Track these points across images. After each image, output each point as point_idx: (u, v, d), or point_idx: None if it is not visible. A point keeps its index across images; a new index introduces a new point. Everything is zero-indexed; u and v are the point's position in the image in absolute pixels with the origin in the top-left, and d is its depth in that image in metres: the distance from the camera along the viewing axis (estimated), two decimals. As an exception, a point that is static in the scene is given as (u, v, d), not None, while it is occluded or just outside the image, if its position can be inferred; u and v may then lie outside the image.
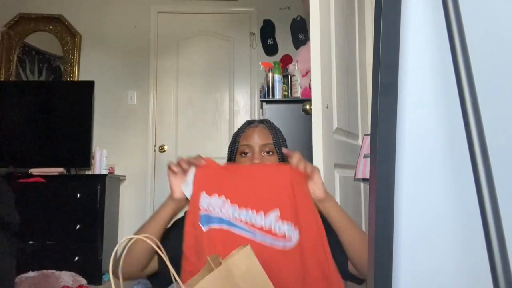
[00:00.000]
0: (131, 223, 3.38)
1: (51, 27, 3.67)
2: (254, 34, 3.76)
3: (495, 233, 0.47)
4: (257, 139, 1.13)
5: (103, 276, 2.87)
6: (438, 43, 0.62)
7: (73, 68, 3.59)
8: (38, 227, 2.90)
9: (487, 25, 0.63)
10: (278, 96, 2.74)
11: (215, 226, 0.93)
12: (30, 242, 2.87)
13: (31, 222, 2.87)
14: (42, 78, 3.62)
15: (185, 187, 0.97)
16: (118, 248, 0.67)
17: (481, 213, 0.49)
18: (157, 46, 3.71)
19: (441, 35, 0.59)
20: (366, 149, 1.41)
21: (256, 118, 3.60)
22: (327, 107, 1.54)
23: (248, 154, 1.13)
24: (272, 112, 2.70)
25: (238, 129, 1.22)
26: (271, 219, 0.92)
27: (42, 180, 2.95)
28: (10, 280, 1.76)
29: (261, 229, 0.91)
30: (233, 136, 1.21)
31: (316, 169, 1.00)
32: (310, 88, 2.55)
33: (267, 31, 3.74)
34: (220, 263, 0.80)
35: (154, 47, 3.70)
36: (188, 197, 0.96)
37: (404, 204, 0.62)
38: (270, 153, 1.13)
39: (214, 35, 3.78)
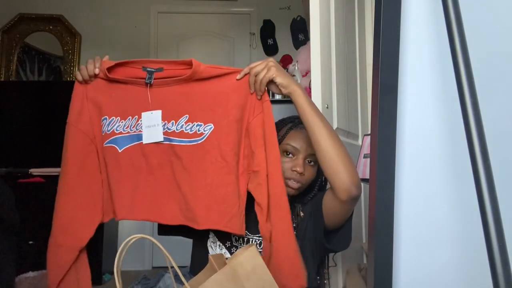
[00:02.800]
0: (131, 222, 3.37)
1: (51, 27, 3.66)
2: (254, 34, 3.75)
3: (495, 233, 0.47)
4: (306, 146, 1.05)
5: (103, 276, 2.86)
6: (438, 43, 0.62)
7: (73, 68, 3.58)
8: (38, 227, 2.89)
9: (487, 25, 0.63)
10: (278, 96, 2.74)
11: (131, 144, 1.03)
12: (30, 242, 2.87)
13: (31, 222, 2.86)
14: (42, 78, 3.62)
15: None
16: (122, 247, 0.67)
17: (481, 213, 0.49)
18: (157, 46, 3.71)
19: (441, 35, 0.59)
20: (366, 149, 1.41)
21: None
22: (327, 107, 1.54)
23: (290, 155, 1.06)
24: (272, 112, 2.70)
25: (285, 121, 1.13)
26: (181, 124, 1.01)
27: (42, 180, 2.95)
28: (10, 280, 1.76)
29: (173, 133, 1.01)
30: (280, 122, 1.12)
31: (258, 62, 0.97)
32: (310, 88, 2.55)
33: (267, 31, 3.74)
34: (225, 263, 0.80)
35: (154, 47, 3.70)
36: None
37: (404, 204, 0.62)
38: (312, 163, 1.06)
39: (214, 35, 3.78)
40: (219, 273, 0.73)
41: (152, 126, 1.00)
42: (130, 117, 1.03)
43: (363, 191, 2.05)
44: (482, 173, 0.49)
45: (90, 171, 1.04)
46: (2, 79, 3.56)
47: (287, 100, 2.75)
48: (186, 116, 1.00)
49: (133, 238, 0.72)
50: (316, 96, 1.49)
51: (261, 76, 0.95)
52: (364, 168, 1.37)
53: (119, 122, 1.04)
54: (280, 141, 1.08)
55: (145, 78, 1.00)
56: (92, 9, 3.70)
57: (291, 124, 1.11)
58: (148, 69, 1.01)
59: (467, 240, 0.60)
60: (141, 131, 1.02)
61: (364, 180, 1.38)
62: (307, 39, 3.55)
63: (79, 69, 1.05)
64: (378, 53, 0.60)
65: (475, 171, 0.50)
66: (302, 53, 2.92)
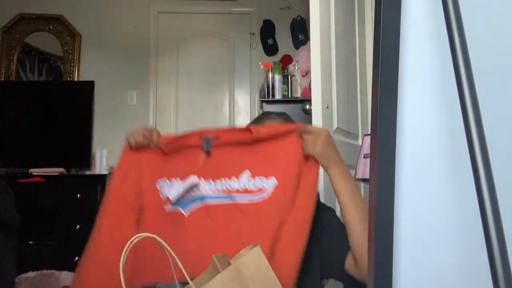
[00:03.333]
0: (131, 223, 3.37)
1: (51, 27, 3.66)
2: (254, 34, 3.75)
3: (495, 233, 0.47)
4: None
5: (103, 276, 2.86)
6: (438, 43, 0.62)
7: (73, 68, 3.58)
8: (38, 227, 2.90)
9: (487, 25, 0.63)
10: (278, 96, 2.75)
11: (195, 206, 0.99)
12: (30, 242, 2.87)
13: (31, 222, 2.87)
14: (42, 78, 3.62)
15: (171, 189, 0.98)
16: (127, 246, 0.67)
17: (481, 213, 0.49)
18: (157, 46, 3.71)
19: (441, 35, 0.59)
20: (366, 149, 1.41)
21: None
22: (327, 107, 1.54)
23: None
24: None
25: (254, 119, 1.16)
26: (244, 180, 0.98)
27: (42, 180, 2.95)
28: (10, 280, 1.76)
29: (237, 191, 0.98)
30: (248, 126, 1.15)
31: (313, 129, 0.97)
32: (310, 88, 2.55)
33: (267, 31, 3.74)
34: (228, 263, 0.80)
35: (154, 47, 3.70)
36: (173, 199, 0.97)
37: (404, 204, 0.61)
38: None
39: (214, 35, 3.78)
40: (223, 273, 0.73)
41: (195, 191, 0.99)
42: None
43: (363, 191, 2.06)
44: (482, 173, 0.49)
45: (122, 239, 1.03)
46: (2, 79, 3.56)
47: (286, 100, 2.76)
48: (247, 172, 0.98)
49: (137, 237, 0.71)
50: (316, 96, 1.49)
51: (307, 147, 0.96)
52: (364, 168, 1.37)
53: (179, 183, 1.01)
54: None
55: (203, 146, 1.00)
56: (92, 9, 3.70)
57: (255, 121, 1.14)
58: (206, 138, 1.01)
59: (467, 240, 0.60)
60: (203, 193, 0.99)
61: (364, 180, 1.38)
62: (307, 39, 3.55)
63: (132, 135, 1.02)
64: (378, 53, 0.60)
65: (475, 171, 0.50)
66: (302, 53, 2.93)
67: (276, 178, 0.96)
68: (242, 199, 0.97)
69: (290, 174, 0.97)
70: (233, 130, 1.03)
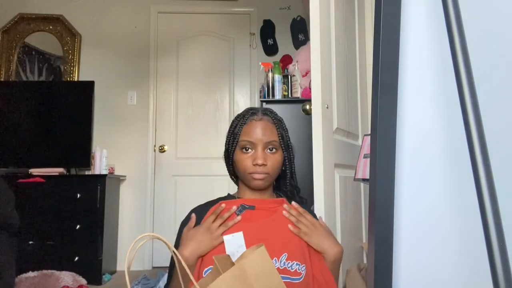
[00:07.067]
0: (131, 223, 3.38)
1: (51, 27, 3.66)
2: (254, 34, 3.75)
3: (495, 233, 0.47)
4: (261, 136, 1.05)
5: (103, 276, 2.86)
6: (438, 43, 0.62)
7: (73, 68, 3.58)
8: (38, 227, 2.90)
9: (487, 25, 0.63)
10: (278, 96, 2.75)
11: None
12: (30, 242, 2.87)
13: (31, 222, 2.87)
14: (42, 78, 3.62)
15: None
16: (132, 246, 0.66)
17: (481, 213, 0.49)
18: (157, 46, 3.71)
19: (441, 35, 0.59)
20: (366, 149, 1.41)
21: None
22: (327, 107, 1.54)
23: (249, 150, 1.06)
24: None
25: (238, 117, 1.12)
26: (283, 261, 1.02)
27: (42, 180, 2.95)
28: (10, 280, 1.76)
29: (278, 269, 1.01)
30: (232, 126, 1.11)
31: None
32: (310, 88, 2.55)
33: (267, 31, 3.74)
34: (231, 264, 0.80)
35: (154, 47, 3.70)
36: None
37: (404, 204, 0.62)
38: (274, 149, 1.07)
39: (214, 35, 3.78)
40: (228, 272, 0.72)
41: (236, 253, 1.00)
42: None
43: (363, 191, 2.05)
44: (482, 173, 0.49)
45: None
46: (2, 79, 3.57)
47: (286, 100, 2.76)
48: (285, 255, 1.03)
49: (145, 235, 0.71)
50: (316, 96, 1.49)
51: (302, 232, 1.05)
52: (364, 168, 1.37)
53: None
54: (235, 140, 1.08)
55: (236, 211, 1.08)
56: (92, 9, 3.70)
57: (242, 119, 1.10)
58: (241, 205, 1.08)
59: (467, 240, 0.60)
60: None
61: (364, 180, 1.38)
62: (307, 39, 3.55)
63: (214, 224, 1.05)
64: (378, 53, 0.60)
65: (475, 171, 0.50)
66: (302, 53, 2.93)
67: (305, 266, 1.03)
68: (283, 278, 1.01)
69: (314, 259, 1.06)
70: (269, 200, 1.09)
